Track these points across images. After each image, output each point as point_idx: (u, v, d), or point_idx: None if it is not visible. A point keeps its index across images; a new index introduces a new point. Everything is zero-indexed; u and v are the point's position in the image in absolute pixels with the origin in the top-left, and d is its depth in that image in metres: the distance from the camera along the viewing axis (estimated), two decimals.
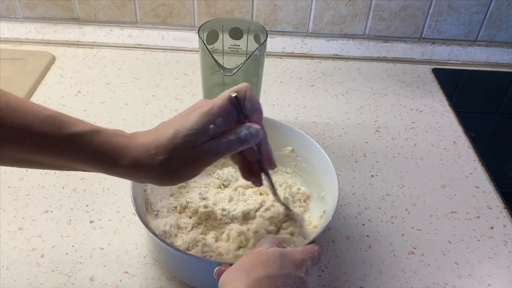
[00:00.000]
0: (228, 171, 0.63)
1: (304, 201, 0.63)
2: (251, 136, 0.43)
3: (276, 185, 0.57)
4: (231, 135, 0.43)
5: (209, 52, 0.63)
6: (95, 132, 0.41)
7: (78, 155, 0.41)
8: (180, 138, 0.41)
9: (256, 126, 0.44)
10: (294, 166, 0.66)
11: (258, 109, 0.46)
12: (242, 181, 0.61)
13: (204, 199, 0.59)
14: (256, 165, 0.50)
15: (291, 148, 0.65)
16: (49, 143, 0.40)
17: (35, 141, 0.39)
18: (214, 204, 0.58)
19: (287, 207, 0.57)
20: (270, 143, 0.49)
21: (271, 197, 0.58)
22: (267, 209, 0.57)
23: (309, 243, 0.48)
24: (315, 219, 0.60)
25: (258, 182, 0.52)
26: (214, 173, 0.64)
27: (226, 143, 0.43)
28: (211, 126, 0.42)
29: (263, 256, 0.43)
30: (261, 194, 0.60)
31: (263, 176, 0.51)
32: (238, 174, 0.64)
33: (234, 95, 0.43)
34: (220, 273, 0.44)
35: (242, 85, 0.45)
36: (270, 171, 0.51)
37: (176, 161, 0.42)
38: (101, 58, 0.93)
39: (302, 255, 0.45)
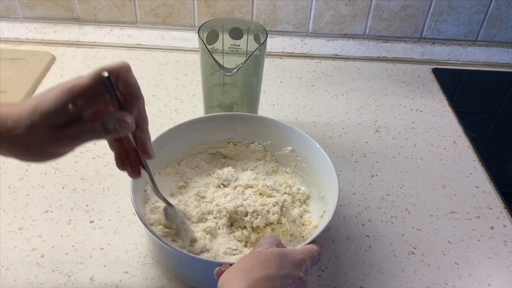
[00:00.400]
0: (228, 171, 0.63)
1: (304, 201, 0.63)
2: (120, 129, 0.40)
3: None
4: (97, 123, 0.39)
5: (209, 52, 0.63)
6: None
7: None
8: (38, 115, 0.38)
9: (126, 118, 0.40)
10: (294, 166, 0.66)
11: (135, 95, 0.41)
12: (242, 181, 0.61)
13: (202, 197, 0.59)
14: (132, 153, 0.46)
15: (291, 148, 0.65)
16: None
17: None
18: (209, 202, 0.58)
19: (167, 202, 0.53)
20: (148, 131, 0.45)
21: (272, 199, 0.58)
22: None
23: (309, 243, 0.48)
24: (315, 219, 0.60)
25: (135, 174, 0.47)
26: (214, 173, 0.64)
27: (90, 130, 0.39)
28: (70, 105, 0.38)
29: (262, 256, 0.43)
30: (260, 194, 0.60)
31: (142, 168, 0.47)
32: (238, 173, 0.64)
33: (105, 74, 0.38)
34: (220, 274, 0.44)
35: (120, 63, 0.40)
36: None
37: (34, 139, 0.39)
38: (101, 58, 0.93)
39: (301, 255, 0.45)
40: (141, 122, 0.44)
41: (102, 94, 0.39)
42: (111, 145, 0.46)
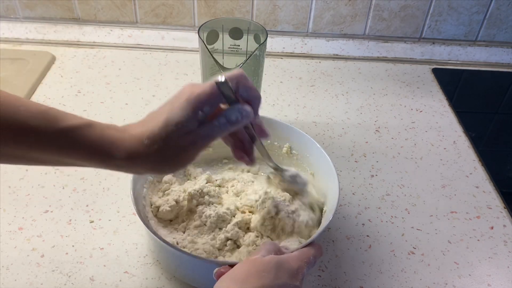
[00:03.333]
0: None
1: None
2: (242, 118, 0.44)
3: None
4: (221, 118, 0.43)
5: (209, 52, 0.63)
6: (88, 125, 0.42)
7: (72, 149, 0.41)
8: (172, 126, 0.41)
9: (246, 107, 0.44)
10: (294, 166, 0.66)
11: (256, 96, 0.46)
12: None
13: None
14: (247, 143, 0.51)
15: (291, 147, 0.65)
16: (44, 139, 0.40)
17: (30, 137, 0.39)
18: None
19: (280, 169, 0.56)
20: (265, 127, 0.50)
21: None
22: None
23: (308, 244, 0.48)
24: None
25: (250, 162, 0.52)
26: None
27: (218, 126, 0.43)
28: (200, 112, 0.42)
29: (258, 266, 0.43)
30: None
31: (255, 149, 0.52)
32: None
33: (222, 79, 0.43)
34: (219, 275, 0.44)
35: (236, 73, 0.44)
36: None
37: (171, 148, 0.42)
38: (101, 58, 0.93)
39: (298, 262, 0.45)
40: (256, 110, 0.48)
41: (220, 98, 0.43)
42: (226, 139, 0.51)
